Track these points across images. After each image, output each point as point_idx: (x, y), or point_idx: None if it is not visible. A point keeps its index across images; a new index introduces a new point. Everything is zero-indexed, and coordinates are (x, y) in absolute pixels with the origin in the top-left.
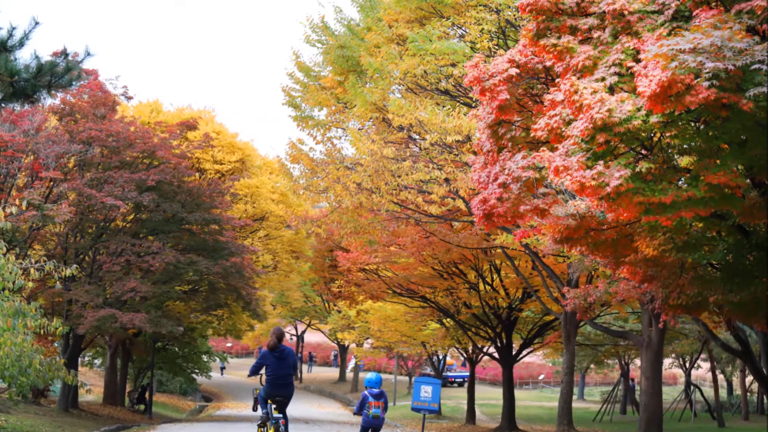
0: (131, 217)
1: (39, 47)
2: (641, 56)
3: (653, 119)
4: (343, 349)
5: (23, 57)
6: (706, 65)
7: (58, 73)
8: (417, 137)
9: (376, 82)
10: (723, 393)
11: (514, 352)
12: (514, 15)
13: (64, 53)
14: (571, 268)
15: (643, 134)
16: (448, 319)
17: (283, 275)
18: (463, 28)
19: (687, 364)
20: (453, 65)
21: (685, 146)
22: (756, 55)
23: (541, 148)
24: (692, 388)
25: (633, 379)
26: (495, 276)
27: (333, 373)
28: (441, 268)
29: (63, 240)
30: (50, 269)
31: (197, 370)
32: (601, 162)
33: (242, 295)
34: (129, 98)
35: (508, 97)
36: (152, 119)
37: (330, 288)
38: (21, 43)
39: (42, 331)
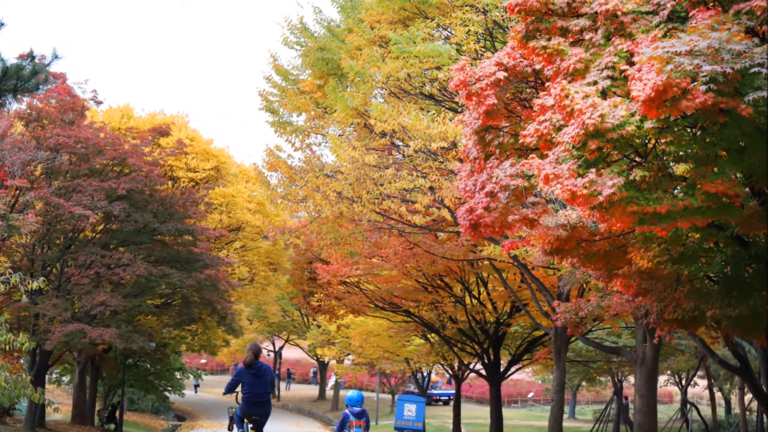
0: (101, 227)
1: (3, 49)
2: (635, 59)
3: (648, 125)
4: (323, 366)
5: None
6: (703, 68)
7: (24, 76)
8: (400, 144)
9: (358, 86)
10: (721, 412)
11: (502, 369)
12: (502, 16)
13: (31, 56)
14: (562, 281)
15: (637, 141)
16: (433, 335)
17: (260, 288)
18: (449, 30)
19: (683, 382)
20: (438, 68)
21: (681, 153)
22: (755, 58)
23: (531, 155)
24: (688, 406)
25: (626, 397)
26: (482, 289)
27: (312, 390)
28: (425, 281)
29: (29, 251)
30: (16, 282)
31: (170, 388)
32: (593, 170)
33: (217, 309)
34: (98, 103)
35: (496, 101)
36: (123, 125)
37: (309, 302)
38: None
39: (7, 347)
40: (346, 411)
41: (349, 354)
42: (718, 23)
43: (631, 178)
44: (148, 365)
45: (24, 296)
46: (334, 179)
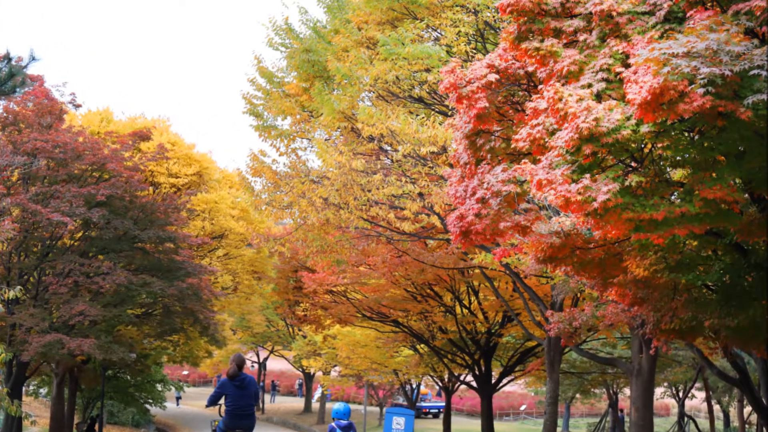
0: (79, 234)
1: None
2: (631, 61)
3: (644, 129)
4: (309, 378)
5: None
6: (701, 71)
7: (1, 79)
8: (388, 148)
9: (345, 89)
10: (719, 425)
11: (493, 381)
12: (494, 16)
13: (7, 57)
14: (555, 290)
15: (632, 145)
16: (422, 345)
17: (243, 298)
18: (439, 31)
19: (680, 394)
20: (427, 70)
21: (678, 158)
22: (755, 60)
23: (523, 161)
24: (686, 419)
25: (622, 410)
26: (473, 298)
27: (298, 403)
28: (414, 290)
29: (6, 259)
30: None
31: (151, 400)
32: (588, 175)
33: (199, 319)
34: (77, 106)
35: (487, 105)
36: (102, 129)
37: (294, 311)
38: None
39: None
40: (333, 424)
41: (335, 365)
42: (716, 24)
43: (626, 183)
44: (129, 377)
45: (0, 306)
46: (321, 185)
